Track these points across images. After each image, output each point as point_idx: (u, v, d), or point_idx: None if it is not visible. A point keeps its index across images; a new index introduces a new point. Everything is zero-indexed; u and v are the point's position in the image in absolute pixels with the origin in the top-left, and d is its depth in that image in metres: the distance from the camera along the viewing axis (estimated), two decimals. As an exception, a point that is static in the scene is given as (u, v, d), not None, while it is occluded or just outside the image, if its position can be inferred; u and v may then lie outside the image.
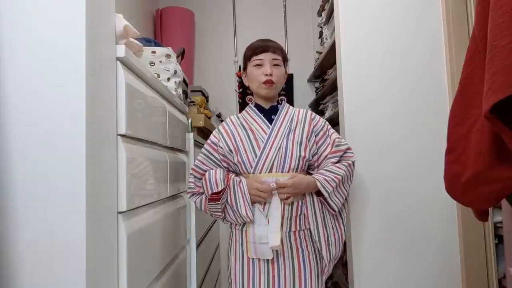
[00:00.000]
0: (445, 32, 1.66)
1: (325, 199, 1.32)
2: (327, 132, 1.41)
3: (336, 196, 1.32)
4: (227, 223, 1.40)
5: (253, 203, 1.30)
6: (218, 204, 1.31)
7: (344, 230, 1.39)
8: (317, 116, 1.45)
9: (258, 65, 1.37)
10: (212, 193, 1.31)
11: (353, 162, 1.39)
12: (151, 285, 1.11)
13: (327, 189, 1.29)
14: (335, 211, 1.33)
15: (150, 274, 1.10)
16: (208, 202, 1.33)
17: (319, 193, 1.33)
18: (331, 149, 1.38)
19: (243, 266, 1.33)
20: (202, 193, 1.37)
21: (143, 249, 1.04)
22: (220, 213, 1.33)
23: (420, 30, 1.69)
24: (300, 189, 1.29)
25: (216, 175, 1.32)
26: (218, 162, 1.39)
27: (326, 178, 1.30)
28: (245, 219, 1.30)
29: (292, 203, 1.32)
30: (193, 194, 1.40)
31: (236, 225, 1.37)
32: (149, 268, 1.09)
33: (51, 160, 0.74)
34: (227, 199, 1.32)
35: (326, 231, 1.34)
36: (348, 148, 1.40)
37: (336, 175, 1.31)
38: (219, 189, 1.30)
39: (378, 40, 1.68)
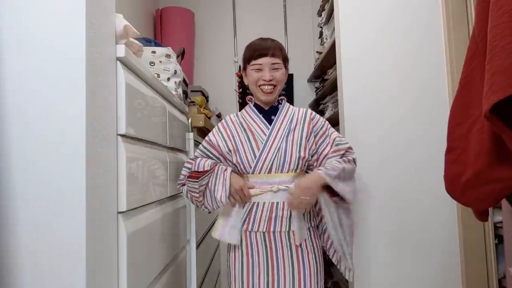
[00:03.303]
0: (445, 32, 1.66)
1: (333, 192, 1.29)
2: (327, 131, 1.40)
3: (342, 184, 1.29)
4: (204, 210, 1.39)
5: (231, 195, 1.31)
6: (196, 182, 1.30)
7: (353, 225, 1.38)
8: (317, 116, 1.44)
9: (257, 69, 1.36)
10: (193, 171, 1.31)
11: (354, 159, 1.37)
12: (151, 285, 1.11)
13: (329, 174, 1.26)
14: (347, 200, 1.30)
15: (150, 274, 1.10)
16: (187, 179, 1.32)
17: (331, 194, 1.30)
18: (331, 148, 1.37)
19: (242, 266, 1.33)
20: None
21: (143, 249, 1.04)
22: (198, 195, 1.32)
23: (420, 30, 1.69)
24: (307, 185, 1.26)
25: (205, 162, 1.33)
26: (215, 159, 1.39)
27: (327, 167, 1.30)
28: (218, 204, 1.30)
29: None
30: (182, 185, 1.38)
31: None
32: (149, 268, 1.09)
33: (51, 160, 0.74)
34: (208, 183, 1.33)
35: (342, 231, 1.33)
36: (350, 148, 1.39)
37: (336, 165, 1.30)
38: (204, 169, 1.30)
39: (378, 40, 1.69)
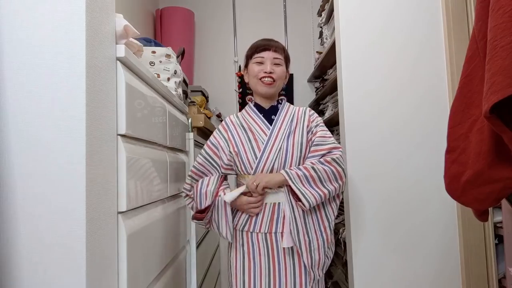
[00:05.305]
0: (445, 32, 1.66)
1: (295, 193, 1.25)
2: (316, 130, 1.38)
3: (305, 187, 1.25)
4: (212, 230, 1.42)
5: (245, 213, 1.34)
6: (201, 222, 1.36)
7: (331, 233, 1.32)
8: (315, 114, 1.45)
9: (259, 62, 1.38)
10: (197, 211, 1.35)
11: (334, 159, 1.30)
12: (151, 285, 1.11)
13: (290, 174, 1.25)
14: (305, 206, 1.23)
15: (150, 274, 1.10)
16: (192, 219, 1.38)
17: (297, 198, 1.26)
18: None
19: (244, 266, 1.33)
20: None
21: (143, 249, 1.04)
22: (205, 226, 1.39)
23: (420, 30, 1.69)
24: (264, 176, 1.29)
25: (207, 187, 1.33)
26: (217, 167, 1.39)
27: (292, 168, 1.29)
28: (223, 238, 1.35)
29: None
30: (186, 196, 1.42)
31: (236, 225, 1.37)
32: (149, 268, 1.09)
33: (51, 160, 0.74)
34: (212, 215, 1.35)
35: (308, 236, 1.27)
36: (334, 148, 1.33)
37: (304, 166, 1.28)
38: (206, 204, 1.31)
39: (378, 40, 1.68)
